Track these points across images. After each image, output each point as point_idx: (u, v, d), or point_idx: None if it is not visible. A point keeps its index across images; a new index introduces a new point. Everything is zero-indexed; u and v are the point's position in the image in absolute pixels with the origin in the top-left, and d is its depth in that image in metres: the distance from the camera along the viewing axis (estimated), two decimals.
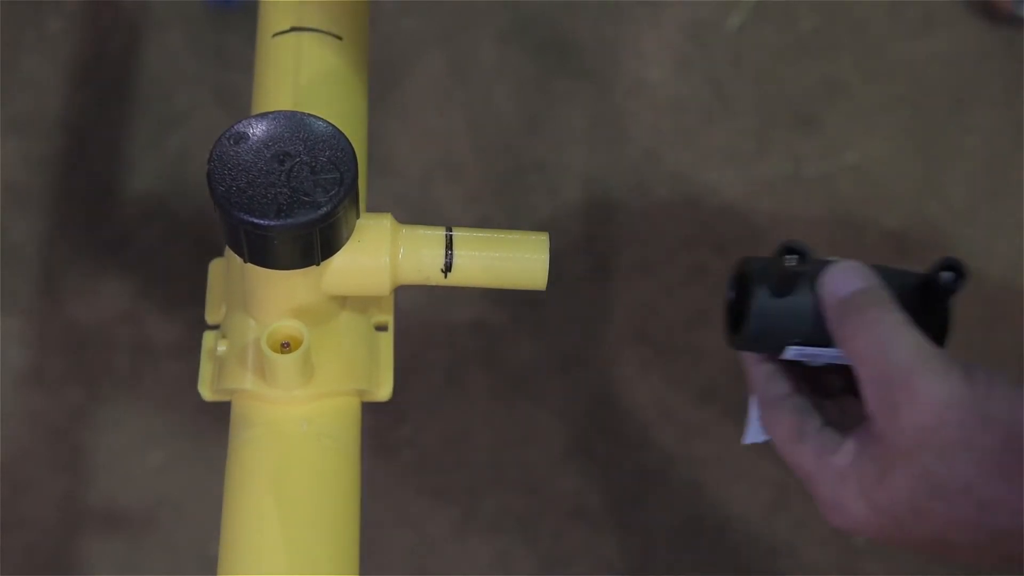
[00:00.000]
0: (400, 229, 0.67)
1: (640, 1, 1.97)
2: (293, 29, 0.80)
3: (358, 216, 0.66)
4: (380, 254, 0.66)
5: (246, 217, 0.61)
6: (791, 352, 0.63)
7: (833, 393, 0.66)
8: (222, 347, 0.72)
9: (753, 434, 0.70)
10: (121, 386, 1.64)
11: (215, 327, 0.75)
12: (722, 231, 1.76)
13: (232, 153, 0.63)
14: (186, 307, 1.66)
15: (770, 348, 0.63)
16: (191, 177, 1.78)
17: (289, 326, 0.68)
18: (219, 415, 0.74)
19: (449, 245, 0.66)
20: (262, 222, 0.61)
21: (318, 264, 0.65)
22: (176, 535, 1.54)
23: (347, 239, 0.66)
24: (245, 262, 0.65)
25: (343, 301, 0.72)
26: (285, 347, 0.69)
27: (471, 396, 1.61)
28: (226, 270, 0.76)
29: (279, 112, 0.65)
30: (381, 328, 0.75)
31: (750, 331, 0.62)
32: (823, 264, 0.62)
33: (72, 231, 1.75)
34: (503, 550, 1.55)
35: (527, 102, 1.89)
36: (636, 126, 1.87)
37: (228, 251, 0.75)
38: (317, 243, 0.63)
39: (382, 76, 1.88)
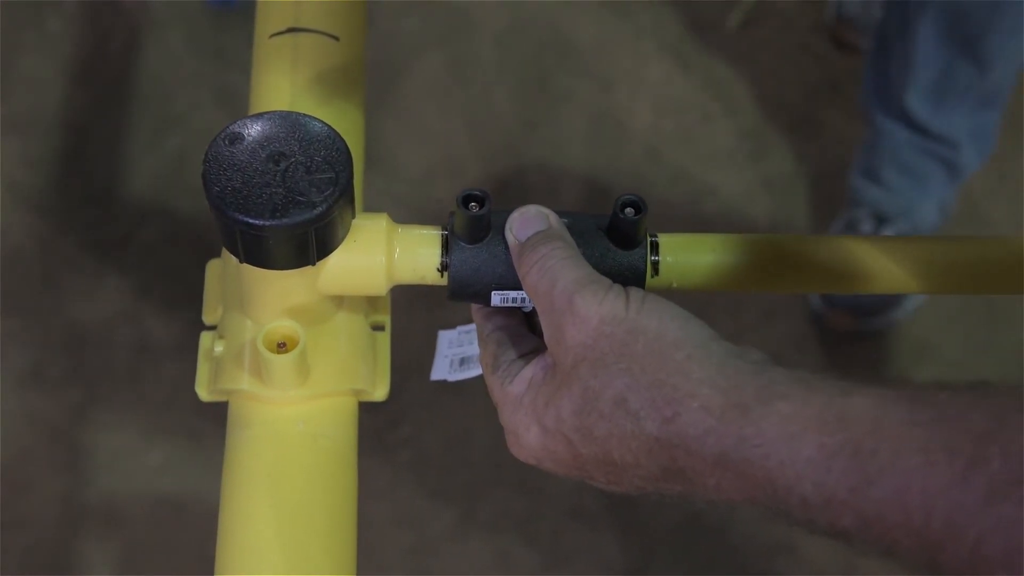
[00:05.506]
0: (396, 229, 0.67)
1: (640, 1, 1.97)
2: (290, 30, 0.80)
3: (354, 216, 0.66)
4: (376, 254, 0.66)
5: (241, 217, 0.61)
6: (496, 298, 0.65)
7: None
8: (219, 347, 0.71)
9: (438, 371, 0.73)
10: (121, 386, 1.64)
11: (212, 328, 0.75)
12: (722, 231, 1.76)
13: (227, 153, 0.63)
14: (185, 307, 1.66)
15: (478, 296, 0.66)
16: (190, 177, 1.78)
17: (285, 326, 0.68)
18: (218, 415, 0.74)
19: (445, 245, 0.66)
20: (257, 222, 0.61)
21: (314, 264, 0.65)
22: (176, 535, 1.54)
23: (343, 239, 0.65)
24: (241, 262, 0.65)
25: (339, 301, 0.71)
26: (281, 347, 0.68)
27: (471, 396, 1.61)
28: (223, 271, 0.76)
29: (274, 112, 0.65)
30: (378, 328, 0.75)
31: (451, 278, 0.65)
32: (508, 213, 0.65)
33: (72, 231, 1.75)
34: (503, 550, 1.55)
35: (527, 102, 1.89)
36: (636, 126, 1.88)
37: (225, 251, 0.75)
38: (312, 243, 0.63)
39: (382, 76, 1.88)
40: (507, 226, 0.64)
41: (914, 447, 0.48)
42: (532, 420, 0.60)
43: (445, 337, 0.74)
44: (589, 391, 0.57)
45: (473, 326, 0.70)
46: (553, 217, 0.63)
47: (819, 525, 0.52)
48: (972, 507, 0.46)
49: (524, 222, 0.63)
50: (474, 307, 0.68)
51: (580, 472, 0.60)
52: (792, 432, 0.51)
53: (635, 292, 0.58)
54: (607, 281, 0.59)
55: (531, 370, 0.61)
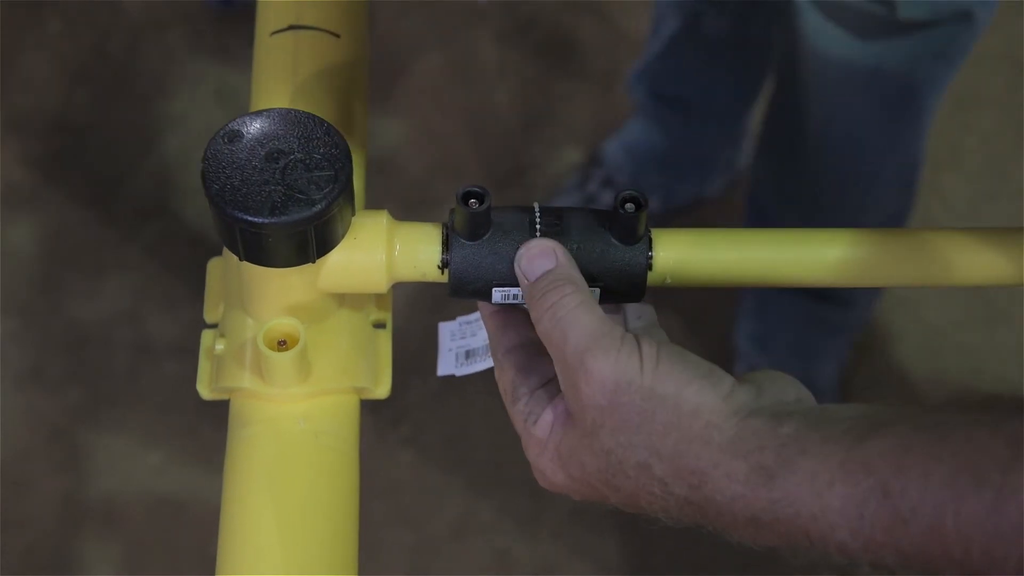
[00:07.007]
0: (396, 226, 0.66)
1: (640, 1, 1.97)
2: (291, 27, 0.80)
3: (353, 213, 0.66)
4: (376, 251, 0.65)
5: (240, 215, 0.61)
6: (498, 295, 0.65)
7: None
8: (220, 346, 0.71)
9: (444, 366, 0.73)
10: (121, 386, 1.64)
11: (214, 326, 0.75)
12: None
13: (226, 151, 0.63)
14: (185, 307, 1.67)
15: (479, 293, 0.65)
16: (190, 177, 1.78)
17: (285, 324, 0.68)
18: (218, 415, 0.74)
19: (446, 242, 0.66)
20: (256, 220, 0.61)
21: (314, 262, 0.64)
22: (176, 535, 1.54)
23: (343, 236, 0.65)
24: (241, 260, 0.65)
25: (340, 299, 0.71)
26: (282, 345, 0.68)
27: (470, 396, 1.61)
28: (224, 269, 0.76)
29: (273, 110, 0.64)
30: (379, 326, 0.75)
31: (452, 275, 0.65)
32: (508, 210, 0.65)
33: (72, 231, 1.75)
34: (503, 550, 1.55)
35: (527, 102, 1.89)
36: None
37: (226, 250, 0.75)
38: (312, 240, 0.63)
39: (382, 76, 1.88)
40: (516, 262, 0.63)
41: (941, 482, 0.50)
42: (558, 467, 0.61)
43: (446, 329, 0.73)
44: (612, 455, 0.58)
45: (475, 316, 0.70)
46: (560, 251, 0.63)
47: (861, 563, 0.53)
48: (1008, 534, 0.48)
49: (531, 259, 0.63)
50: (486, 321, 0.67)
51: (608, 504, 0.61)
52: (818, 488, 0.53)
53: (648, 349, 0.58)
54: (619, 332, 0.58)
55: (551, 414, 0.61)
